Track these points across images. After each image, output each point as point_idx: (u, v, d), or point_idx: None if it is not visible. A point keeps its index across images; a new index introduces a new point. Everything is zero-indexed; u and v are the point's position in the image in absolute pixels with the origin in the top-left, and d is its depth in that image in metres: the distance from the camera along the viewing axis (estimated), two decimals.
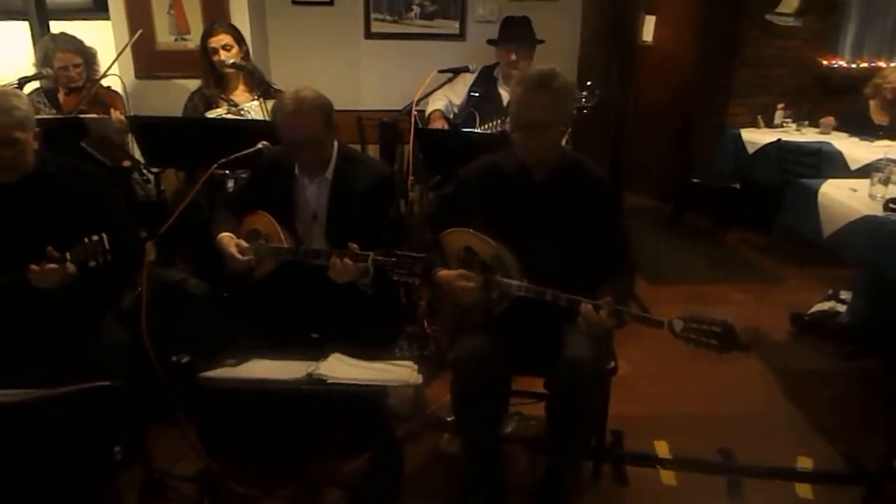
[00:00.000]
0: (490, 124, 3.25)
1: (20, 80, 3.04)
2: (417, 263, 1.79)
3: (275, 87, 3.06)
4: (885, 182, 2.67)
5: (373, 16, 4.09)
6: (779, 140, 4.35)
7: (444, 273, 1.95)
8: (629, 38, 5.62)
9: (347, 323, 1.98)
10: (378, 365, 1.73)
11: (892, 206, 2.51)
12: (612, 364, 2.04)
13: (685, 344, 1.61)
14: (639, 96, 5.77)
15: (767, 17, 4.96)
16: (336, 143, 2.15)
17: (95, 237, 1.76)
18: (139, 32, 3.49)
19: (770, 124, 4.83)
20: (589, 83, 2.91)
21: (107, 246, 1.76)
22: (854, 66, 5.07)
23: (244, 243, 2.09)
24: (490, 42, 3.55)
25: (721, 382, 2.85)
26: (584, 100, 2.83)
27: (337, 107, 2.10)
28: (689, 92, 5.54)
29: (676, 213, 5.24)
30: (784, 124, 4.75)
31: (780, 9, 4.97)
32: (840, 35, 5.24)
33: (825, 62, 5.07)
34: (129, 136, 3.14)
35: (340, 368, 1.66)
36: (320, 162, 2.12)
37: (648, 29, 5.84)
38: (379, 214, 2.09)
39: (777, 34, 5.04)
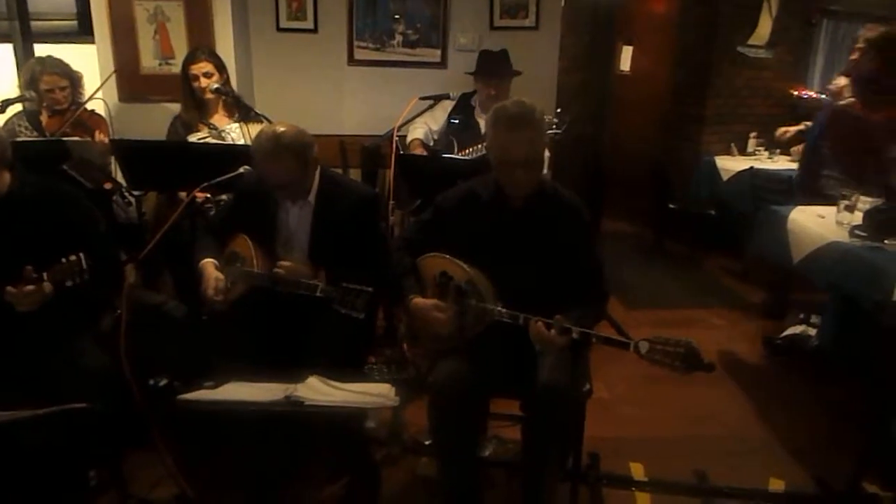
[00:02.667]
0: (468, 150, 3.32)
1: (2, 102, 3.05)
2: (361, 298, 1.83)
3: (255, 111, 3.11)
4: (851, 209, 2.75)
5: (356, 43, 4.16)
6: (751, 168, 4.47)
7: (418, 301, 1.99)
8: (606, 68, 5.78)
9: (324, 345, 2.00)
10: (356, 387, 1.75)
11: (857, 232, 2.59)
12: (588, 387, 2.08)
13: (651, 365, 1.66)
14: (618, 124, 5.91)
15: (739, 48, 5.13)
16: (318, 168, 2.19)
17: (73, 257, 1.77)
18: (117, 69, 3.53)
19: (743, 152, 4.96)
20: (559, 110, 3.01)
21: (84, 266, 1.77)
22: (823, 95, 5.24)
23: (221, 277, 2.11)
24: (469, 73, 3.64)
25: (696, 405, 2.90)
26: (554, 126, 2.91)
27: (320, 131, 2.15)
28: (665, 120, 5.68)
29: (655, 239, 5.33)
30: (756, 152, 4.88)
31: (751, 41, 5.14)
32: (809, 66, 5.42)
33: (795, 92, 5.23)
34: (112, 158, 3.16)
35: (318, 391, 1.67)
36: (299, 192, 2.16)
37: (626, 59, 6.01)
38: (365, 234, 2.13)
39: (749, 65, 5.20)
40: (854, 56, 3.19)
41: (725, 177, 4.69)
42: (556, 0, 4.22)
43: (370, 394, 1.72)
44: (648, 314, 4.02)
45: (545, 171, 3.23)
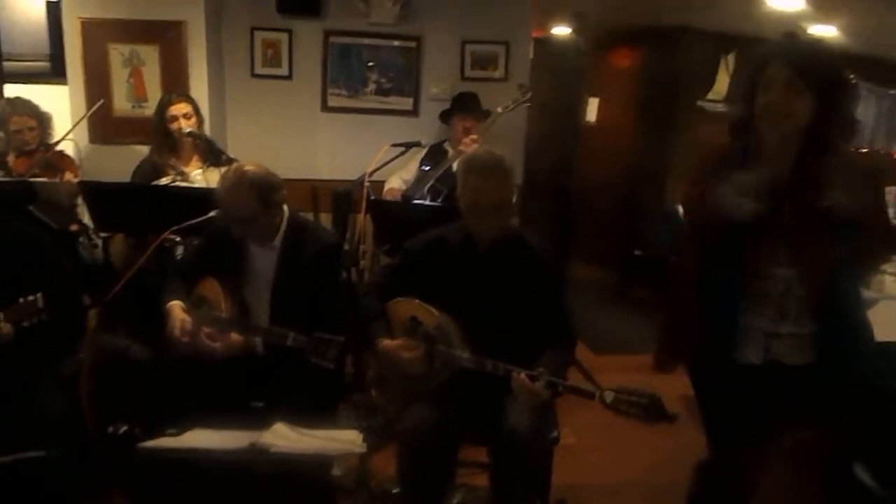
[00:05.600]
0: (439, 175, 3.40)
1: None
2: (332, 347, 1.84)
3: (227, 156, 3.13)
4: None
5: (330, 90, 4.23)
6: None
7: (387, 343, 2.00)
8: (574, 118, 5.95)
9: (290, 391, 1.99)
10: (322, 433, 1.73)
11: None
12: (556, 433, 2.09)
13: (616, 415, 1.69)
14: (585, 172, 6.05)
15: (699, 103, 5.35)
16: (287, 212, 2.21)
17: (31, 297, 1.75)
18: (99, 102, 3.52)
19: None
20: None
21: (41, 305, 1.75)
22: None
23: (189, 320, 2.10)
24: (444, 114, 3.74)
25: (663, 451, 2.91)
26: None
27: (292, 176, 2.18)
28: (631, 169, 5.84)
29: (622, 285, 5.43)
30: None
31: (710, 96, 5.37)
32: None
33: None
34: (80, 200, 3.13)
35: (285, 437, 1.66)
36: (262, 233, 2.16)
37: (592, 109, 6.20)
38: (324, 283, 2.14)
39: (708, 119, 5.42)
40: None
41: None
42: (524, 53, 4.38)
43: (337, 440, 1.71)
44: (616, 359, 4.07)
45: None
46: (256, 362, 2.06)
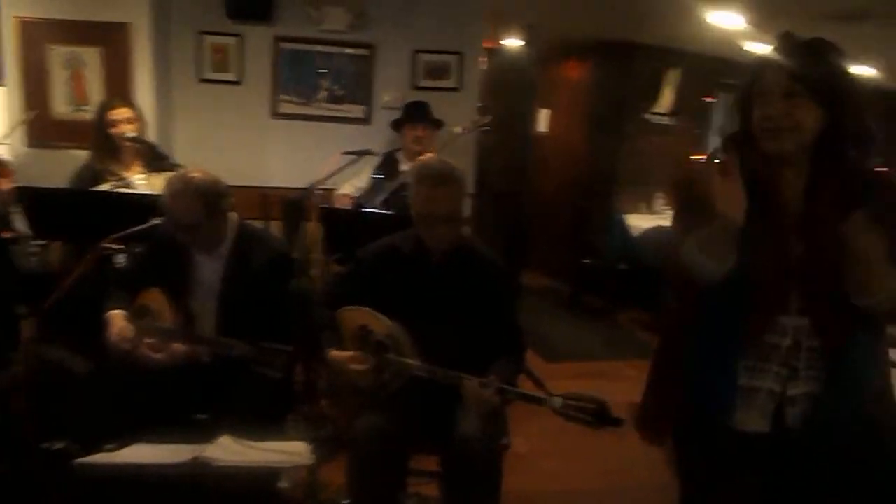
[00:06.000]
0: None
1: None
2: (279, 358, 1.81)
3: (172, 161, 3.05)
4: None
5: (281, 97, 4.18)
6: (658, 225, 4.75)
7: (336, 354, 1.98)
8: (526, 129, 6.04)
9: (237, 402, 1.94)
10: (269, 445, 1.70)
11: None
12: (506, 440, 2.10)
13: (565, 421, 1.71)
14: (537, 182, 6.15)
15: (645, 115, 5.51)
16: (236, 220, 2.17)
17: None
18: (34, 113, 3.40)
19: (651, 211, 5.28)
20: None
21: None
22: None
23: (130, 327, 2.03)
24: (395, 123, 3.74)
25: (614, 457, 2.95)
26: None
27: (242, 183, 2.14)
28: (581, 179, 5.96)
29: (573, 293, 5.52)
30: (662, 211, 5.21)
31: (655, 109, 5.54)
32: (708, 133, 5.88)
33: (695, 157, 5.64)
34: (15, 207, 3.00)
35: (229, 451, 1.62)
36: (208, 241, 2.12)
37: (543, 121, 6.31)
38: (273, 292, 2.10)
39: (655, 131, 5.59)
40: None
41: (636, 233, 4.96)
42: (477, 63, 4.42)
43: (284, 452, 1.67)
44: (566, 367, 4.12)
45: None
46: (201, 373, 2.01)
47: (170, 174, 2.56)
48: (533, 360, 3.96)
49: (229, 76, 4.09)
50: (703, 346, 1.45)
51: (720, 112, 5.91)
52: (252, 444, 1.66)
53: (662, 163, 5.69)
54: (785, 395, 1.40)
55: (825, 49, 1.35)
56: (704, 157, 5.51)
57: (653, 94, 5.56)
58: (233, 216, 2.14)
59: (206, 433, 1.72)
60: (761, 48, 4.92)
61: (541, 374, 3.51)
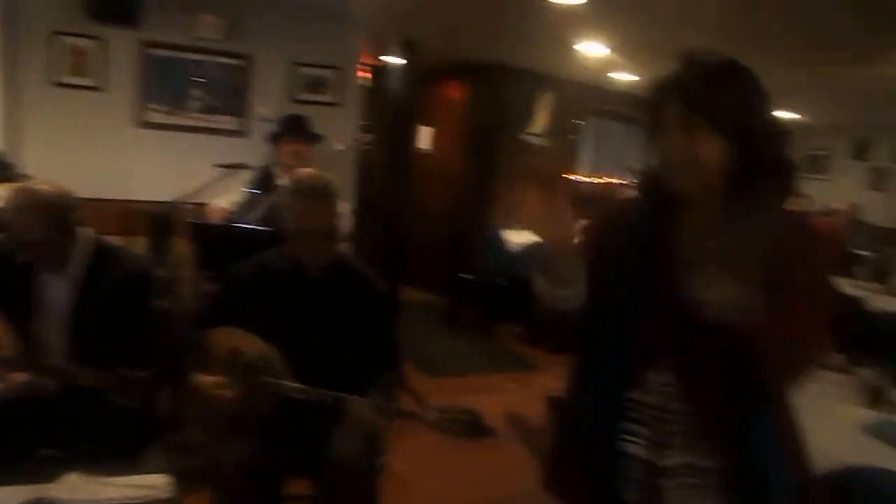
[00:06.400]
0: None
1: None
2: (137, 385, 1.70)
3: (17, 171, 2.78)
4: None
5: (148, 105, 3.95)
6: (536, 241, 4.94)
7: (200, 379, 1.87)
8: (408, 145, 6.10)
9: (88, 435, 1.78)
10: (124, 480, 1.57)
11: None
12: (383, 460, 2.08)
13: (441, 433, 1.72)
14: (418, 198, 6.21)
15: (521, 136, 5.75)
16: (90, 236, 2.00)
17: None
18: None
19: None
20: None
21: None
22: (592, 180, 6.03)
23: None
24: (273, 136, 3.63)
25: (491, 468, 3.02)
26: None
27: (103, 196, 1.98)
28: (461, 195, 6.10)
29: (452, 308, 5.60)
30: None
31: (531, 130, 5.80)
32: (580, 154, 6.23)
33: (569, 177, 5.95)
34: None
35: (76, 489, 1.48)
36: (55, 259, 1.94)
37: (425, 138, 6.40)
38: (131, 314, 1.95)
39: (529, 151, 5.84)
40: None
41: (514, 249, 5.13)
42: (356, 79, 4.42)
43: (142, 487, 1.56)
44: (447, 381, 4.17)
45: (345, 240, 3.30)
46: (47, 405, 1.82)
47: (14, 185, 2.33)
48: (414, 376, 3.97)
49: (89, 81, 3.81)
50: (584, 398, 1.27)
51: (591, 135, 6.30)
52: (104, 480, 1.54)
53: (536, 182, 5.95)
54: (655, 466, 1.19)
55: (730, 72, 1.15)
56: (577, 177, 5.89)
57: (528, 115, 5.81)
58: (86, 232, 1.97)
59: (52, 471, 1.56)
60: (627, 77, 5.31)
61: (422, 390, 3.51)
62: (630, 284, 1.19)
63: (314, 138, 3.58)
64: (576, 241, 1.20)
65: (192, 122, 4.04)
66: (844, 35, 3.58)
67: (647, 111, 1.19)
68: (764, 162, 1.13)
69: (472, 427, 1.69)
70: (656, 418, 1.20)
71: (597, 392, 1.24)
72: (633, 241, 1.23)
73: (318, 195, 1.94)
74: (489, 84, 5.75)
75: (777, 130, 1.17)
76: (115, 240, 2.68)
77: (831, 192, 7.30)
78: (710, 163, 1.13)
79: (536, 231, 1.17)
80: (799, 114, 6.05)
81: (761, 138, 1.13)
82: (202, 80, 4.04)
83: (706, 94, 1.12)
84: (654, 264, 1.19)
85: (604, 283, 1.21)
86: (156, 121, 3.98)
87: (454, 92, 6.41)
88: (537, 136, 5.84)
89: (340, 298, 2.00)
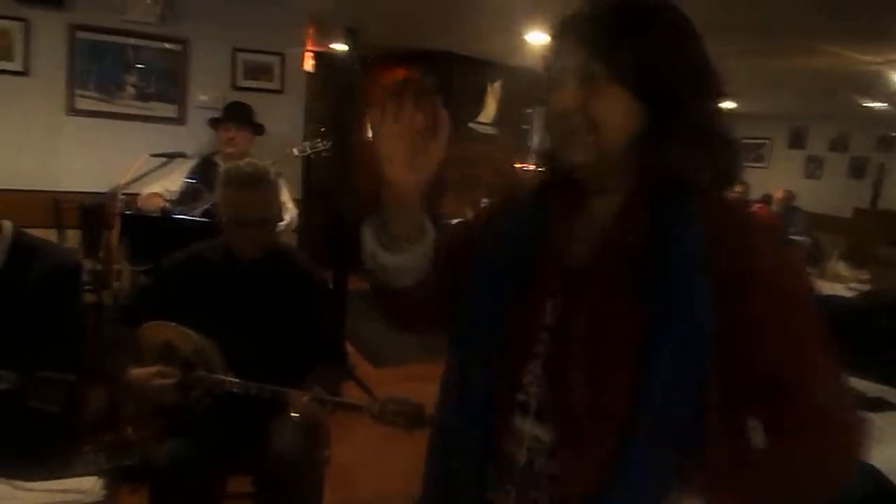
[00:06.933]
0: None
1: None
2: (57, 388, 1.61)
3: None
4: None
5: (77, 91, 3.76)
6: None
7: (136, 372, 1.80)
8: (354, 134, 6.02)
9: (6, 441, 1.69)
10: (52, 485, 1.50)
11: None
12: (326, 453, 2.05)
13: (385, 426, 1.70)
14: (363, 186, 6.13)
15: (470, 124, 5.74)
16: (8, 229, 1.89)
17: None
18: None
19: None
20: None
21: None
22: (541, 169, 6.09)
23: None
24: (213, 121, 3.52)
25: None
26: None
27: (29, 186, 1.87)
28: None
29: None
30: None
31: (479, 119, 5.80)
32: (529, 142, 6.27)
33: (519, 165, 5.98)
34: None
35: (1, 496, 1.40)
36: None
37: (371, 126, 6.33)
38: (56, 311, 1.86)
39: (479, 139, 5.84)
40: None
41: None
42: (300, 65, 4.32)
43: (69, 491, 1.49)
44: (392, 371, 4.14)
45: (292, 230, 3.23)
46: None
47: None
48: (361, 366, 3.93)
49: (13, 66, 3.60)
50: (446, 431, 1.00)
51: (541, 124, 6.35)
52: (25, 485, 1.46)
53: (488, 170, 5.97)
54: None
55: (647, 8, 0.83)
56: (527, 166, 5.91)
57: (477, 103, 5.81)
58: (4, 225, 1.86)
59: None
60: None
61: (369, 381, 3.48)
62: (501, 282, 0.92)
63: (257, 128, 3.48)
64: (418, 197, 0.93)
65: (126, 110, 3.87)
66: (783, 25, 3.69)
67: (545, 67, 0.89)
68: (688, 129, 0.82)
69: (414, 418, 1.68)
70: (524, 474, 0.91)
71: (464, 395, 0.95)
72: (519, 231, 0.94)
73: (251, 183, 1.88)
74: (436, 72, 5.72)
75: (711, 88, 0.85)
76: (45, 233, 2.58)
77: (769, 180, 7.57)
78: (611, 127, 0.82)
79: (386, 165, 0.92)
80: (737, 103, 6.22)
81: (686, 96, 0.82)
82: (138, 66, 3.87)
83: (608, 35, 0.81)
84: (535, 265, 0.91)
85: (475, 277, 0.95)
86: (87, 108, 3.79)
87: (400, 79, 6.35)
88: (487, 124, 5.84)
89: (275, 288, 1.95)
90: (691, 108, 0.83)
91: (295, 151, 3.39)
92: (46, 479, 1.52)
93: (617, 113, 0.83)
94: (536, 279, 0.91)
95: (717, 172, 0.86)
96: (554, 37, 0.89)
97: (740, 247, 0.80)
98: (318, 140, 3.42)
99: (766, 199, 6.47)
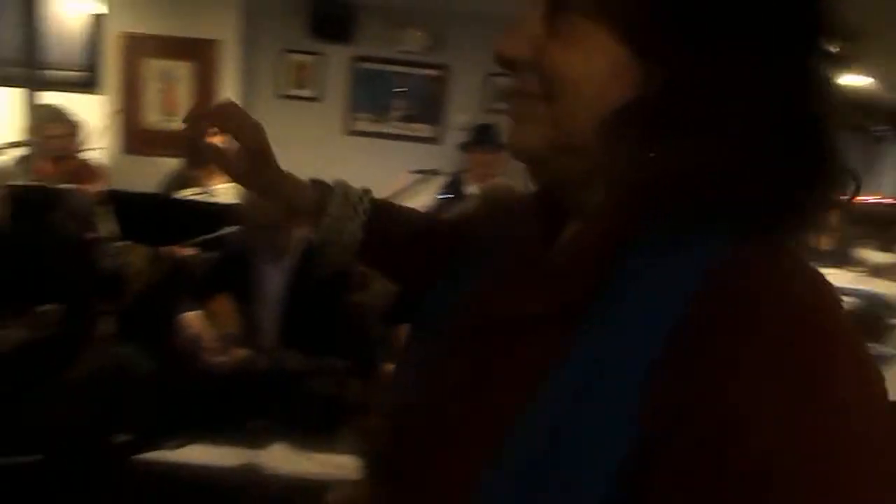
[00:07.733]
0: None
1: (7, 144, 3.10)
2: (334, 374, 1.80)
3: None
4: None
5: (356, 114, 4.29)
6: None
7: (389, 370, 1.96)
8: None
9: (291, 412, 1.96)
10: (322, 458, 1.71)
11: None
12: None
13: None
14: None
15: None
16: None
17: (50, 307, 1.76)
18: (116, 110, 3.60)
19: None
20: None
21: (58, 317, 1.76)
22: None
23: (208, 329, 2.10)
24: (463, 145, 3.74)
25: None
26: None
27: None
28: None
29: None
30: None
31: None
32: None
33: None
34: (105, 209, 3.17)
35: (281, 458, 1.64)
36: (275, 249, 2.15)
37: None
38: (330, 304, 2.09)
39: None
40: None
41: None
42: None
43: (335, 465, 1.68)
44: None
45: None
46: (258, 380, 2.05)
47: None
48: None
49: (307, 92, 4.23)
50: None
51: None
52: (307, 454, 1.68)
53: None
54: None
55: None
56: None
57: None
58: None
59: (260, 440, 1.75)
60: None
61: None
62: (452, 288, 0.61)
63: (502, 147, 3.61)
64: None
65: (393, 130, 4.31)
66: None
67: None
68: (730, 111, 0.42)
69: None
70: None
71: None
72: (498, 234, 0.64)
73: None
74: None
75: (790, 32, 0.43)
76: None
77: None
78: (587, 94, 0.46)
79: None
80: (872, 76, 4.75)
81: (729, 45, 0.42)
82: (403, 90, 4.29)
83: None
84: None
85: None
86: (361, 129, 4.30)
87: None
88: None
89: None
90: (740, 69, 0.42)
91: None
92: (318, 451, 1.74)
93: (597, 67, 0.45)
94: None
95: (779, 198, 0.43)
96: None
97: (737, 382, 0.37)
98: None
99: None
